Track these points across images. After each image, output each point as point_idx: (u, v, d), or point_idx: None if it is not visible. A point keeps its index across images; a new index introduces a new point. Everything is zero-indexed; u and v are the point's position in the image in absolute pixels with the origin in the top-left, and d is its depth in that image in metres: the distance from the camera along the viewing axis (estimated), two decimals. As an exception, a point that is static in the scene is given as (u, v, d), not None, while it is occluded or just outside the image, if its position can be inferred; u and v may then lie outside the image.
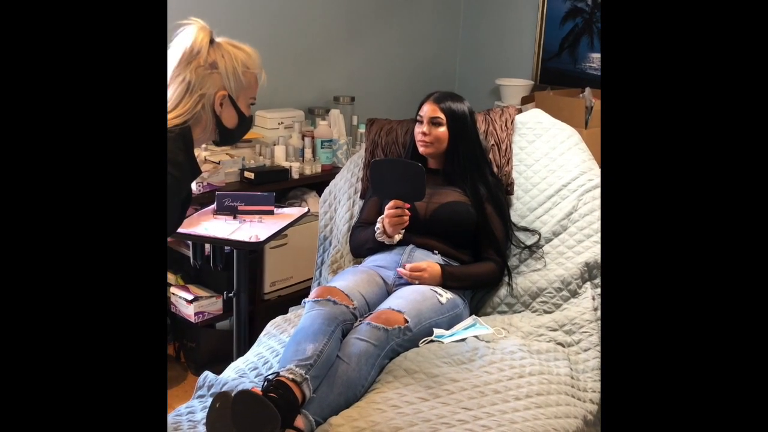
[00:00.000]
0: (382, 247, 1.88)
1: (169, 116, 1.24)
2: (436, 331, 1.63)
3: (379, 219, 1.84)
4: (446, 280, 1.77)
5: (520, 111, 2.17)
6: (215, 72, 1.28)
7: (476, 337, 1.65)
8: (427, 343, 1.60)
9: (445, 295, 1.71)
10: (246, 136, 2.63)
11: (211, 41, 1.29)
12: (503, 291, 1.88)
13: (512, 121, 2.11)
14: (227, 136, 1.37)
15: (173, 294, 2.39)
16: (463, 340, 1.63)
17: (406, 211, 1.76)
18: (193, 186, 2.23)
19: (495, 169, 2.03)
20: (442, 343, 1.60)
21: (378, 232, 1.84)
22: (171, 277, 2.43)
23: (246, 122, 1.37)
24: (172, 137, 1.23)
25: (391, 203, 1.78)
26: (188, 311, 2.33)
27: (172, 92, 1.26)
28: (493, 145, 2.07)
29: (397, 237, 1.82)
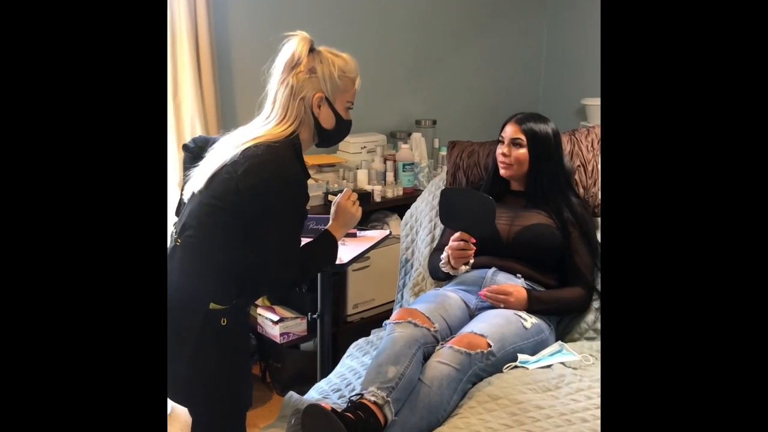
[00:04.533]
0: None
1: (281, 126, 1.38)
2: (521, 357, 1.59)
3: (445, 248, 1.78)
4: (532, 305, 1.72)
5: (606, 131, 2.11)
6: (314, 76, 1.39)
7: (563, 363, 1.59)
8: (511, 368, 1.56)
9: (530, 320, 1.67)
10: (329, 161, 2.74)
11: (312, 50, 1.41)
12: (591, 317, 1.81)
13: (598, 142, 2.05)
14: (326, 137, 1.47)
15: (260, 315, 2.45)
16: (548, 366, 1.58)
17: (471, 245, 1.71)
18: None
19: (581, 191, 1.97)
20: (527, 369, 1.56)
21: (442, 262, 1.79)
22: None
23: (344, 124, 1.46)
24: (284, 146, 1.35)
25: (456, 235, 1.73)
26: (274, 332, 2.39)
27: (280, 97, 1.39)
28: (578, 166, 2.01)
29: (463, 268, 1.75)
